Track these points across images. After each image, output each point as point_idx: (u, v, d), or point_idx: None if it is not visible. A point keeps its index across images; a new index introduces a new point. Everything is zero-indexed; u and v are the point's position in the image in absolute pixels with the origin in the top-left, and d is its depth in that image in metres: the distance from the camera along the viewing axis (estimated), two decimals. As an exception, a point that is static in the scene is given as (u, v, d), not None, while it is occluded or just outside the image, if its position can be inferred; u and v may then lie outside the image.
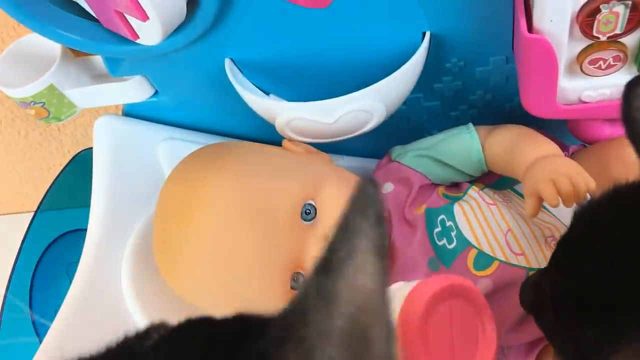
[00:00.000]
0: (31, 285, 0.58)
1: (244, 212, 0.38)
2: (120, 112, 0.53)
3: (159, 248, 0.42)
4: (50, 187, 0.60)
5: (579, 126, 0.44)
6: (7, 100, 0.61)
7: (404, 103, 0.48)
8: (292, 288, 0.39)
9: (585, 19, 0.35)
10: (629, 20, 0.35)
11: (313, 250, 0.38)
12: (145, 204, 0.49)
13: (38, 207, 0.60)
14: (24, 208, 0.75)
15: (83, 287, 0.44)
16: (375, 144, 0.50)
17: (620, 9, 0.34)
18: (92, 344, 0.22)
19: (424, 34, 0.43)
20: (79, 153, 0.59)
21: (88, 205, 0.49)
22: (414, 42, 0.43)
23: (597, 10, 0.34)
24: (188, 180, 0.41)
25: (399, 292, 0.31)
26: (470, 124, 0.45)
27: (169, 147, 0.51)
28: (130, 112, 0.52)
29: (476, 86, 0.48)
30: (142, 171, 0.51)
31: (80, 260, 0.46)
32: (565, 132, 0.47)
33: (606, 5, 0.34)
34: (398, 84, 0.41)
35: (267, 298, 0.39)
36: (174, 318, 0.44)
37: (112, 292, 0.46)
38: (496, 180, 0.45)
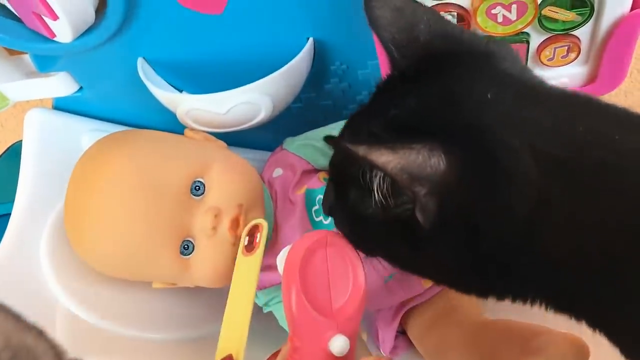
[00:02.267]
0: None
1: (139, 188, 0.44)
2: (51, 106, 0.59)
3: (68, 220, 0.47)
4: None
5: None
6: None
7: (300, 101, 0.55)
8: (181, 254, 0.45)
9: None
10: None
11: (200, 221, 0.44)
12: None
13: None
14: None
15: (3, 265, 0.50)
16: (281, 138, 0.57)
17: (450, 17, 0.41)
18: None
19: (308, 39, 0.50)
20: (14, 144, 0.65)
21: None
22: (300, 46, 0.49)
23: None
24: (94, 161, 0.47)
25: (285, 251, 0.38)
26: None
27: (93, 138, 0.57)
28: (59, 106, 0.58)
29: (361, 87, 0.54)
30: (67, 160, 0.56)
31: (2, 242, 0.51)
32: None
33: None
34: (281, 82, 0.48)
35: (160, 262, 0.45)
36: (85, 284, 0.49)
37: (32, 269, 0.51)
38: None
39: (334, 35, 0.50)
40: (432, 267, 0.34)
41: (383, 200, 0.31)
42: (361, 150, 0.28)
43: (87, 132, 0.57)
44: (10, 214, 0.55)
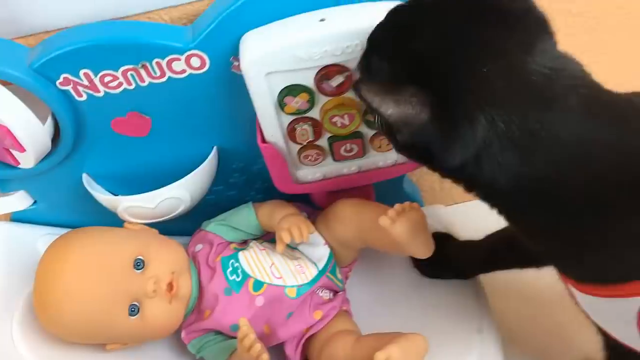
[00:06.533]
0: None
1: (92, 270, 0.59)
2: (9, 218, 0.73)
3: (37, 302, 0.61)
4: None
5: (314, 197, 0.70)
6: None
7: (212, 193, 0.72)
8: (130, 315, 0.59)
9: (291, 133, 0.61)
10: (315, 132, 0.61)
11: (143, 288, 0.59)
12: (28, 282, 0.67)
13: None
14: None
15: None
16: (199, 223, 0.73)
17: (307, 127, 0.60)
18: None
19: (213, 147, 0.68)
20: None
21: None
22: (208, 153, 0.67)
23: (295, 128, 0.60)
24: (56, 251, 0.61)
25: None
26: (250, 202, 0.69)
27: (47, 241, 0.70)
28: (17, 217, 0.72)
29: (257, 178, 0.72)
30: (28, 259, 0.69)
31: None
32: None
33: (298, 124, 0.60)
34: (195, 181, 0.65)
35: (113, 324, 0.59)
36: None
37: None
38: (272, 237, 0.69)
39: (232, 143, 0.67)
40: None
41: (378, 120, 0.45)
42: (375, 103, 0.42)
43: (41, 237, 0.72)
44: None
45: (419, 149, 0.45)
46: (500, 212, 0.49)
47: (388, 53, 0.45)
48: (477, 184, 0.48)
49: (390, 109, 0.42)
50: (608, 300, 0.46)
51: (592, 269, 0.47)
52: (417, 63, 0.43)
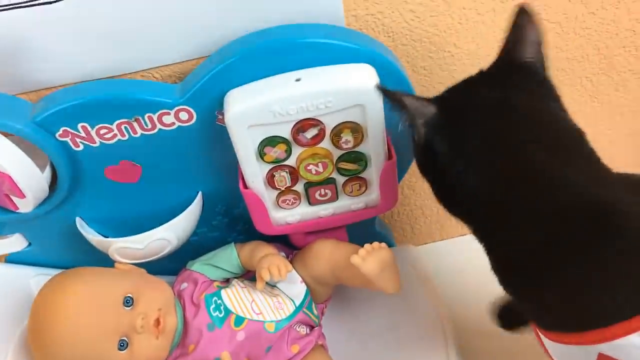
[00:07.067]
0: None
1: (84, 307, 0.63)
2: (3, 259, 0.77)
3: (32, 337, 0.65)
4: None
5: (292, 237, 0.75)
6: None
7: (196, 235, 0.77)
8: (119, 349, 0.64)
9: (270, 179, 0.67)
10: (292, 178, 0.67)
11: (132, 324, 0.64)
12: (21, 321, 0.71)
13: None
14: None
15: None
16: (185, 263, 0.78)
17: (285, 174, 0.66)
18: None
19: (198, 192, 0.73)
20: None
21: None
22: (192, 197, 0.73)
23: (274, 175, 0.66)
24: (51, 289, 0.65)
25: None
26: (232, 243, 0.74)
27: (41, 281, 0.74)
28: (11, 259, 0.77)
29: (238, 220, 0.78)
30: (21, 298, 0.74)
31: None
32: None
33: (277, 171, 0.66)
34: (181, 223, 0.70)
35: (104, 357, 0.63)
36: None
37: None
38: (253, 276, 0.74)
39: (215, 188, 0.73)
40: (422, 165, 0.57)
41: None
42: (397, 96, 0.51)
43: (34, 277, 0.76)
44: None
45: (430, 153, 0.53)
46: (484, 242, 0.54)
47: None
48: (469, 202, 0.53)
49: (409, 100, 0.52)
50: (572, 347, 0.47)
51: (554, 317, 0.49)
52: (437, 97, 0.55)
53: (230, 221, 0.78)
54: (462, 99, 0.54)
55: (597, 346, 0.44)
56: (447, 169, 0.52)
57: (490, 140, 0.50)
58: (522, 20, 0.54)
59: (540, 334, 0.51)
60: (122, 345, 0.64)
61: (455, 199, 0.54)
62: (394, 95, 0.52)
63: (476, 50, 0.73)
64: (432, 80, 0.74)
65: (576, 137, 0.50)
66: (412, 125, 0.52)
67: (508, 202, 0.49)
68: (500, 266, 0.52)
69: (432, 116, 0.52)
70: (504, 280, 0.52)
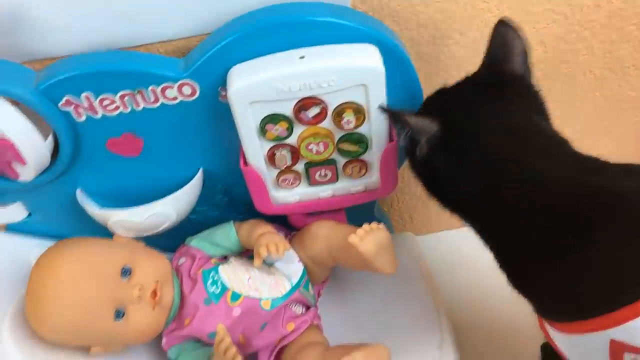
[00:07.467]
0: None
1: (83, 274, 0.64)
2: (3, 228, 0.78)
3: (29, 304, 0.65)
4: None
5: (291, 218, 0.76)
6: None
7: (195, 213, 0.77)
8: (115, 319, 0.64)
9: (271, 158, 0.67)
10: (293, 157, 0.67)
11: (129, 294, 0.64)
12: (19, 289, 0.72)
13: None
14: None
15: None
16: (183, 239, 0.78)
17: (285, 152, 0.67)
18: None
19: (199, 169, 0.73)
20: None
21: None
22: (193, 174, 0.73)
23: (274, 154, 0.67)
24: (50, 258, 0.66)
25: None
26: (231, 221, 0.75)
27: (39, 251, 0.75)
28: (12, 227, 0.77)
29: (239, 200, 0.78)
30: (20, 267, 0.74)
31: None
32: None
33: (278, 150, 0.66)
34: (181, 199, 0.71)
35: (100, 327, 0.64)
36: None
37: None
38: (251, 254, 0.74)
39: (216, 165, 0.73)
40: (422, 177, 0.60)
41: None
42: (400, 115, 0.55)
43: (34, 247, 0.76)
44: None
45: (430, 165, 0.57)
46: (486, 240, 0.56)
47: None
48: (468, 206, 0.57)
49: (412, 119, 0.56)
50: (579, 336, 0.47)
51: (562, 306, 0.49)
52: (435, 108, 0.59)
53: (231, 201, 0.78)
54: (462, 114, 0.56)
55: (607, 332, 0.44)
56: (448, 181, 0.57)
57: (491, 156, 0.53)
58: (507, 32, 0.57)
59: (548, 326, 0.51)
60: (118, 314, 0.64)
61: (453, 204, 0.59)
62: (396, 114, 0.56)
63: (481, 39, 0.73)
64: (436, 67, 0.75)
65: (567, 143, 0.54)
66: (414, 142, 0.56)
67: (508, 203, 0.52)
68: (504, 259, 0.54)
69: (435, 134, 0.55)
70: (509, 273, 0.54)
